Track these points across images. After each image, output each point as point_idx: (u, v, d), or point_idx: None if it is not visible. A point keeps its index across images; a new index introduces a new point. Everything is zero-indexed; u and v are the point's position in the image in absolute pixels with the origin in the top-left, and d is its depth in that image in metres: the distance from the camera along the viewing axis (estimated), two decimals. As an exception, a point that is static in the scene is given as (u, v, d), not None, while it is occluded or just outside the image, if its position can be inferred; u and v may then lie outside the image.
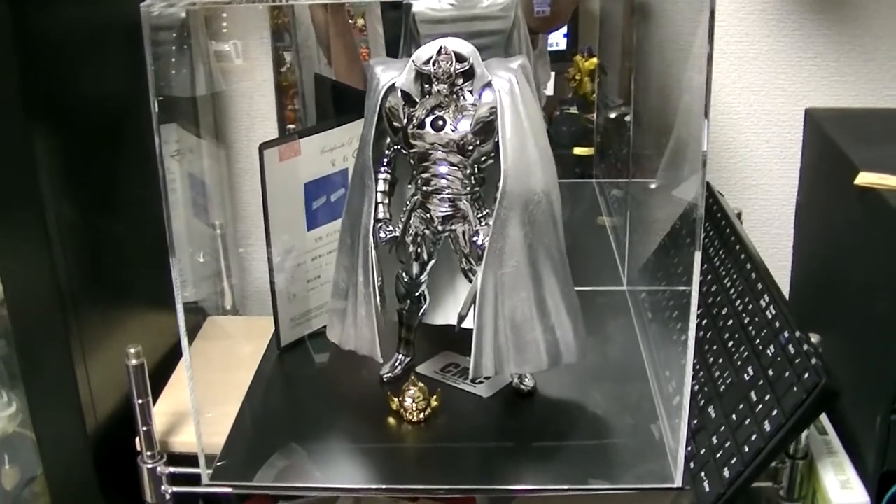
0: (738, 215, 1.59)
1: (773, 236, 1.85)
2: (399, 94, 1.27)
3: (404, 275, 1.38)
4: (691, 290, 1.18)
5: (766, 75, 1.81)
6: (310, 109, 1.83)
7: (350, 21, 1.80)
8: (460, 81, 1.24)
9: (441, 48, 1.23)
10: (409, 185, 1.33)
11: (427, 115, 1.25)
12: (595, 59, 1.85)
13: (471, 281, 1.31)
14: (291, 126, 1.81)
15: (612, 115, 1.84)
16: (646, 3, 1.58)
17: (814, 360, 1.12)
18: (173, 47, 1.64)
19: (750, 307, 1.31)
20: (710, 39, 1.07)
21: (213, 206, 1.83)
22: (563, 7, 1.78)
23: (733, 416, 1.21)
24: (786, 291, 1.77)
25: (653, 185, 1.56)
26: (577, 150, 1.91)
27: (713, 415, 1.25)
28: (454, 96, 1.24)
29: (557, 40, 1.86)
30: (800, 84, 1.80)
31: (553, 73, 1.86)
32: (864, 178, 1.38)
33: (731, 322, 1.34)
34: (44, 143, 1.32)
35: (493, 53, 1.31)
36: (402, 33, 1.40)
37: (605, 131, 1.87)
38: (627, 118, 1.72)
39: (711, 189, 1.61)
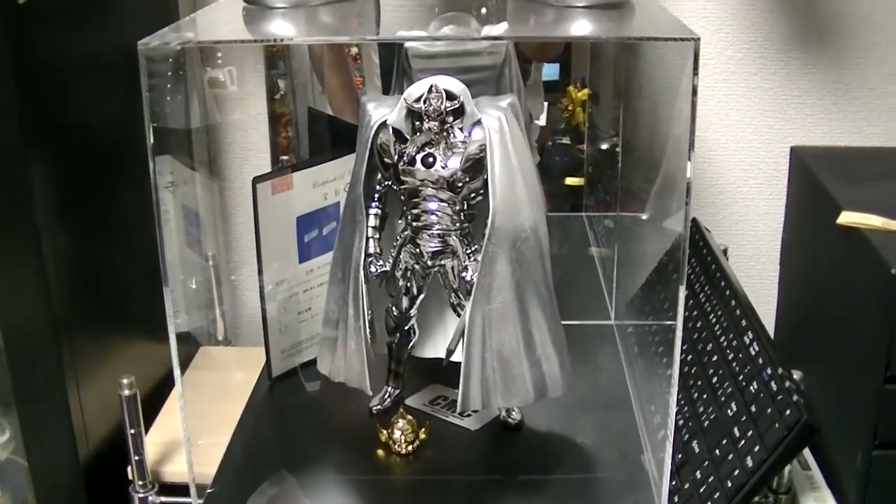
0: (725, 251, 1.61)
1: (759, 271, 1.87)
2: (390, 130, 1.28)
3: (394, 308, 1.39)
4: (676, 326, 1.19)
5: (752, 113, 1.83)
6: (303, 138, 1.84)
7: (345, 49, 1.82)
8: (450, 119, 1.25)
9: (432, 86, 1.24)
10: (400, 221, 1.34)
11: (418, 152, 1.26)
12: (587, 90, 1.86)
13: (459, 315, 1.32)
14: (285, 157, 1.83)
15: (603, 147, 1.85)
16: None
17: (795, 398, 1.14)
18: (169, 79, 1.65)
19: (734, 343, 1.32)
20: (694, 71, 1.09)
21: (207, 237, 1.84)
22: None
23: (717, 450, 1.22)
24: (771, 325, 1.79)
25: (641, 219, 1.58)
26: (569, 181, 1.92)
27: (697, 449, 1.27)
28: (444, 134, 1.25)
29: (550, 70, 1.87)
30: (786, 122, 1.83)
31: (546, 104, 1.88)
32: (847, 218, 1.40)
33: (715, 358, 1.36)
34: (41, 171, 1.34)
35: (484, 89, 1.32)
36: (394, 67, 1.42)
37: (596, 162, 1.88)
38: (618, 149, 1.73)
39: (698, 225, 1.63)
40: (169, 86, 1.63)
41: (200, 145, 1.82)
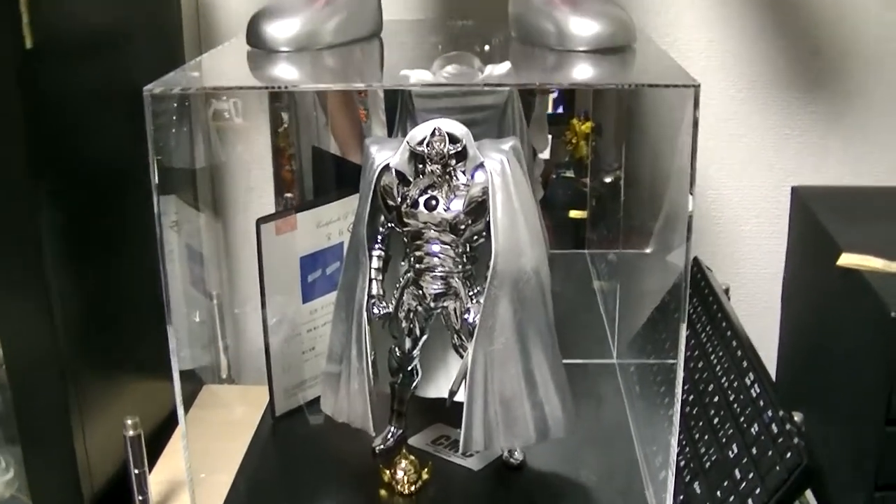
0: (727, 291, 1.61)
1: (760, 310, 1.88)
2: (393, 173, 1.29)
3: (397, 349, 1.39)
4: (677, 365, 1.20)
5: (753, 152, 1.84)
6: (306, 174, 1.85)
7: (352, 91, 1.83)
8: (453, 162, 1.26)
9: (435, 129, 1.25)
10: (403, 262, 1.35)
11: (420, 195, 1.27)
12: (591, 123, 1.87)
13: (461, 356, 1.33)
14: (288, 195, 1.83)
15: (607, 180, 1.85)
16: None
17: (796, 440, 1.14)
18: (174, 119, 1.66)
19: (735, 384, 1.33)
20: (695, 116, 1.10)
21: (210, 276, 1.85)
22: None
23: (718, 492, 1.23)
24: (773, 364, 1.79)
25: (643, 256, 1.58)
26: (573, 214, 1.92)
27: (698, 491, 1.27)
28: (447, 177, 1.26)
29: (555, 102, 1.88)
30: (787, 161, 1.84)
31: (550, 137, 1.89)
32: (847, 260, 1.41)
33: (716, 398, 1.36)
34: (48, 210, 1.34)
35: (486, 128, 1.33)
36: (397, 106, 1.43)
37: (600, 195, 1.89)
38: (621, 183, 1.74)
39: (700, 264, 1.64)
40: (174, 126, 1.65)
41: (204, 184, 1.83)
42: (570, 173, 1.91)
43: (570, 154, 1.89)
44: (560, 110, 1.89)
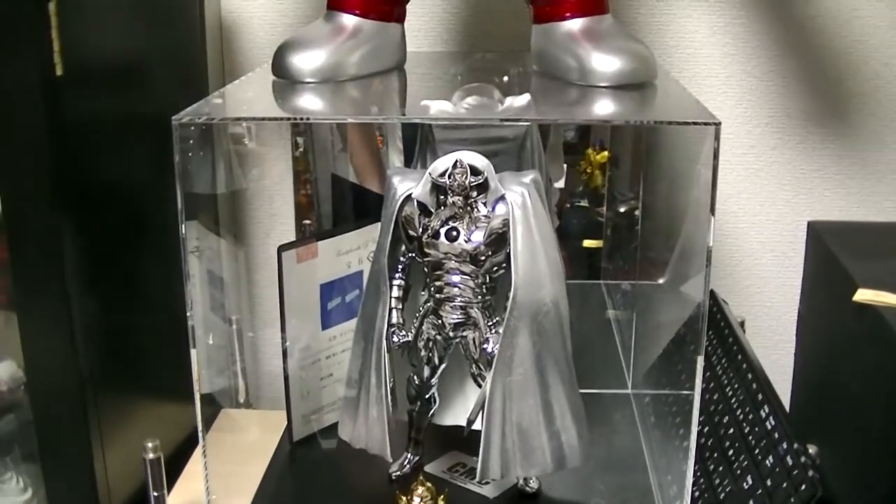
0: (742, 324, 1.62)
1: (775, 343, 1.88)
2: (415, 204, 1.30)
3: (415, 377, 1.40)
4: (693, 396, 1.21)
5: (770, 187, 1.85)
6: (323, 200, 1.86)
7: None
8: (474, 194, 1.27)
9: (457, 161, 1.26)
10: (423, 292, 1.36)
11: (442, 226, 1.28)
12: (606, 153, 1.88)
13: (480, 385, 1.34)
14: (307, 221, 1.85)
15: (622, 209, 1.86)
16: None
17: (811, 472, 1.15)
18: (197, 148, 1.68)
19: (750, 416, 1.34)
20: (714, 161, 1.11)
21: (230, 302, 1.87)
22: None
23: (732, 524, 1.24)
24: (787, 398, 1.80)
25: (659, 287, 1.59)
26: (587, 243, 1.93)
27: (713, 522, 1.28)
28: (468, 208, 1.27)
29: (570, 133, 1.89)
30: (803, 196, 1.85)
31: (565, 167, 1.90)
32: (863, 296, 1.42)
33: (731, 430, 1.37)
34: (71, 235, 1.36)
35: (506, 159, 1.34)
36: (417, 134, 1.44)
37: (615, 225, 1.89)
38: (636, 212, 1.75)
39: (716, 297, 1.64)
40: (196, 152, 1.66)
41: (226, 211, 1.85)
42: (584, 202, 1.92)
43: (584, 183, 1.90)
44: (575, 140, 1.90)
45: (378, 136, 1.84)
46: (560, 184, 1.87)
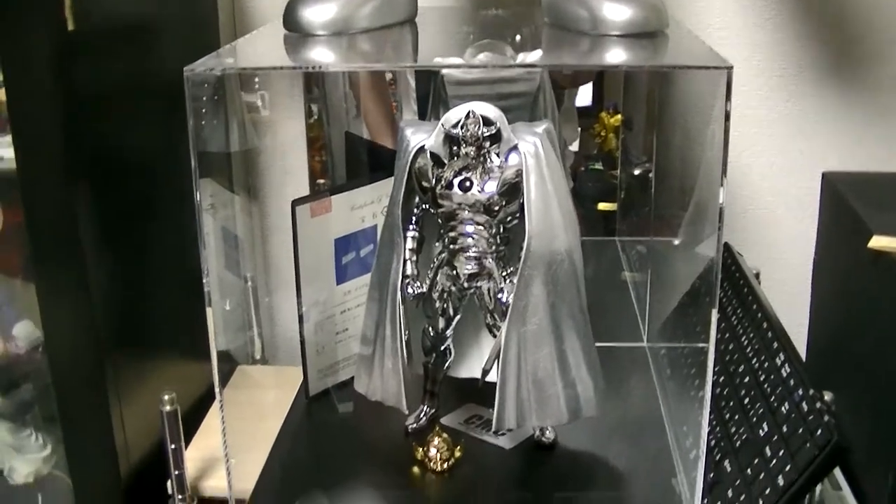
0: (757, 275, 1.62)
1: (790, 295, 1.88)
2: (428, 155, 1.30)
3: (430, 329, 1.40)
4: (708, 348, 1.21)
5: (784, 138, 1.84)
6: (338, 162, 1.87)
7: (384, 76, 1.85)
8: (487, 144, 1.27)
9: (469, 112, 1.27)
10: (437, 244, 1.36)
11: (455, 177, 1.28)
12: (620, 116, 1.88)
13: (495, 336, 1.34)
14: (321, 181, 1.85)
15: (636, 172, 1.86)
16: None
17: (826, 418, 1.15)
18: (209, 104, 1.68)
19: (766, 365, 1.34)
20: (727, 99, 1.11)
21: (245, 259, 1.87)
22: None
23: (748, 470, 1.24)
24: (802, 349, 1.80)
25: (674, 243, 1.59)
26: (602, 206, 1.93)
27: (729, 469, 1.28)
28: (481, 159, 1.27)
29: (583, 96, 1.89)
30: (817, 147, 1.84)
31: (579, 129, 1.89)
32: (878, 242, 1.42)
33: (747, 379, 1.37)
34: (85, 198, 1.37)
35: (518, 115, 1.34)
36: (430, 92, 1.44)
37: (629, 188, 1.89)
38: (650, 175, 1.75)
39: (730, 249, 1.64)
40: (209, 110, 1.66)
41: (240, 169, 1.85)
42: (598, 165, 1.92)
43: (598, 147, 1.90)
44: (589, 103, 1.90)
45: (392, 103, 1.84)
46: (574, 147, 1.87)
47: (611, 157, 1.90)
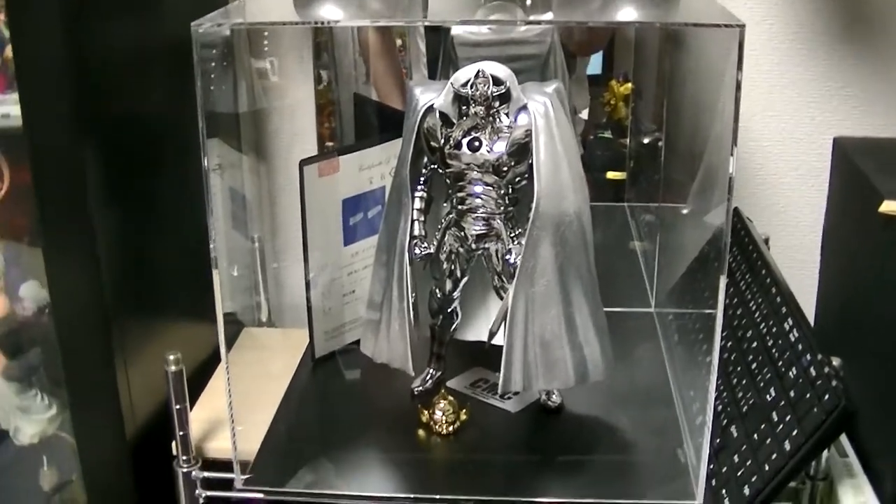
0: (766, 241, 1.61)
1: (799, 262, 1.87)
2: (437, 114, 1.29)
3: (437, 291, 1.40)
4: (716, 314, 1.21)
5: (795, 104, 1.83)
6: (347, 127, 1.86)
7: (393, 37, 1.83)
8: (497, 104, 1.26)
9: (479, 71, 1.26)
10: (445, 204, 1.35)
11: (464, 136, 1.28)
12: (630, 84, 1.87)
13: (502, 298, 1.34)
14: (329, 144, 1.84)
15: (646, 140, 1.85)
16: (679, 31, 1.60)
17: (834, 383, 1.14)
18: (217, 65, 1.67)
19: (774, 330, 1.33)
20: (739, 66, 1.10)
21: (252, 220, 1.86)
22: (601, 31, 1.81)
23: (755, 435, 1.23)
24: (811, 316, 1.79)
25: (683, 210, 1.58)
26: (611, 175, 1.92)
27: (735, 434, 1.28)
28: (490, 118, 1.27)
29: (593, 64, 1.88)
30: (829, 113, 1.83)
31: (589, 98, 1.89)
32: (889, 207, 1.41)
33: (755, 344, 1.36)
34: (92, 158, 1.36)
35: (528, 77, 1.33)
36: (440, 55, 1.43)
37: (638, 156, 1.88)
38: (660, 143, 1.74)
39: (740, 215, 1.64)
40: (218, 71, 1.66)
41: (247, 129, 1.84)
42: (608, 134, 1.91)
43: (608, 115, 1.89)
44: (599, 71, 1.89)
45: (402, 69, 1.83)
46: (584, 114, 1.86)
47: (620, 126, 1.90)
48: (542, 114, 1.25)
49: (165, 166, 1.58)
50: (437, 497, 1.31)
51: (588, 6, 1.31)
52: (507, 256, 1.30)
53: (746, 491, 1.19)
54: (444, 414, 1.39)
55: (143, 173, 1.52)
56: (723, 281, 1.19)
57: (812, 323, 1.64)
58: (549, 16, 1.31)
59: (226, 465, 1.36)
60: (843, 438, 1.39)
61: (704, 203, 1.36)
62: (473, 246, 1.33)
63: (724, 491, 1.23)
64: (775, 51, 1.81)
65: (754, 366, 1.33)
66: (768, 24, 1.80)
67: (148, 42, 1.52)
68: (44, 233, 1.38)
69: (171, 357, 1.35)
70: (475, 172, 1.29)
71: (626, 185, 1.93)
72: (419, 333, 1.41)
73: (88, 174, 1.35)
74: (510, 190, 1.30)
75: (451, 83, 1.28)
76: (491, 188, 1.29)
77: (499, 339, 1.35)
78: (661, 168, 1.71)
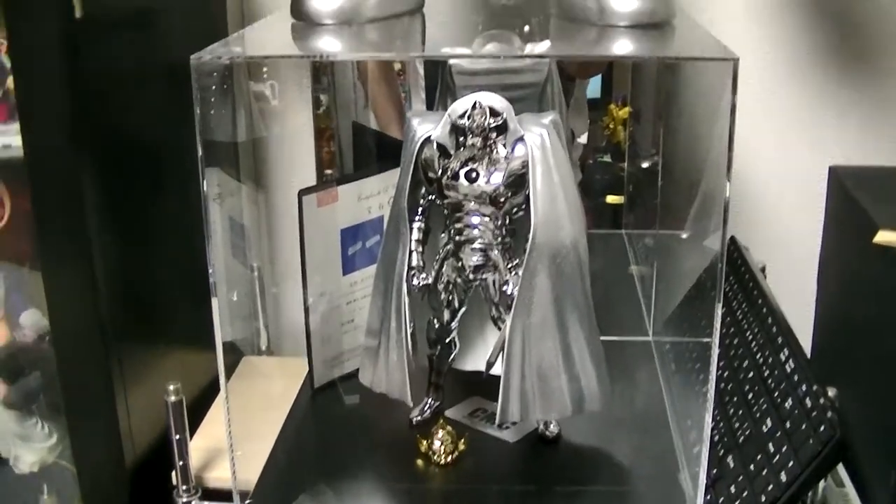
0: (763, 269, 1.61)
1: (796, 290, 1.87)
2: (434, 146, 1.30)
3: (435, 321, 1.40)
4: (712, 342, 1.21)
5: (791, 132, 1.84)
6: (346, 152, 1.86)
7: (392, 65, 1.84)
8: (494, 135, 1.27)
9: (476, 103, 1.26)
10: (443, 235, 1.35)
11: (461, 167, 1.28)
12: (628, 108, 1.87)
13: (500, 329, 1.34)
14: (329, 171, 1.85)
15: (644, 165, 1.86)
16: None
17: (829, 414, 1.15)
18: (217, 93, 1.68)
19: (770, 360, 1.34)
20: (733, 90, 1.11)
21: (251, 249, 1.87)
22: None
23: (751, 466, 1.23)
24: (808, 345, 1.80)
25: (680, 237, 1.59)
26: (610, 199, 1.93)
27: (732, 464, 1.28)
28: (487, 149, 1.27)
29: (592, 88, 1.88)
30: (824, 141, 1.84)
31: (588, 121, 1.89)
32: (883, 237, 1.41)
33: (751, 374, 1.37)
34: (91, 182, 1.36)
35: (526, 106, 1.34)
36: (438, 83, 1.44)
37: (636, 181, 1.89)
38: (658, 168, 1.74)
39: (736, 243, 1.64)
40: (217, 99, 1.66)
41: (246, 158, 1.85)
42: (607, 158, 1.92)
43: (607, 139, 1.90)
44: (598, 95, 1.89)
45: (401, 93, 1.84)
46: (583, 139, 1.87)
47: (619, 150, 1.90)
48: (538, 145, 1.25)
49: (164, 194, 1.59)
50: (436, 527, 1.31)
51: (584, 36, 1.32)
52: (504, 287, 1.31)
53: (743, 521, 1.19)
54: (442, 444, 1.39)
55: (143, 201, 1.53)
56: (718, 310, 1.19)
57: (809, 351, 1.65)
58: (546, 45, 1.32)
59: (225, 495, 1.37)
60: (840, 468, 1.39)
61: (701, 230, 1.36)
62: (471, 276, 1.33)
63: (720, 521, 1.24)
64: (770, 79, 1.82)
65: (751, 395, 1.34)
66: (763, 52, 1.81)
67: (148, 70, 1.53)
68: (44, 260, 1.38)
69: (171, 387, 1.35)
70: (472, 203, 1.29)
71: (624, 209, 1.94)
72: (417, 363, 1.41)
73: (87, 198, 1.36)
74: (507, 221, 1.31)
75: (449, 114, 1.28)
76: (488, 219, 1.30)
77: (497, 370, 1.35)
78: (659, 192, 1.71)
